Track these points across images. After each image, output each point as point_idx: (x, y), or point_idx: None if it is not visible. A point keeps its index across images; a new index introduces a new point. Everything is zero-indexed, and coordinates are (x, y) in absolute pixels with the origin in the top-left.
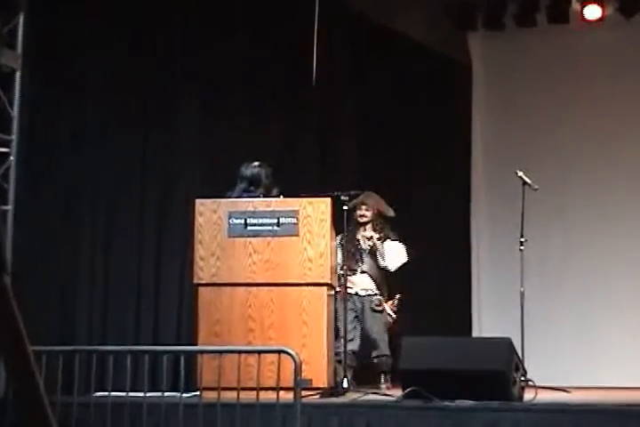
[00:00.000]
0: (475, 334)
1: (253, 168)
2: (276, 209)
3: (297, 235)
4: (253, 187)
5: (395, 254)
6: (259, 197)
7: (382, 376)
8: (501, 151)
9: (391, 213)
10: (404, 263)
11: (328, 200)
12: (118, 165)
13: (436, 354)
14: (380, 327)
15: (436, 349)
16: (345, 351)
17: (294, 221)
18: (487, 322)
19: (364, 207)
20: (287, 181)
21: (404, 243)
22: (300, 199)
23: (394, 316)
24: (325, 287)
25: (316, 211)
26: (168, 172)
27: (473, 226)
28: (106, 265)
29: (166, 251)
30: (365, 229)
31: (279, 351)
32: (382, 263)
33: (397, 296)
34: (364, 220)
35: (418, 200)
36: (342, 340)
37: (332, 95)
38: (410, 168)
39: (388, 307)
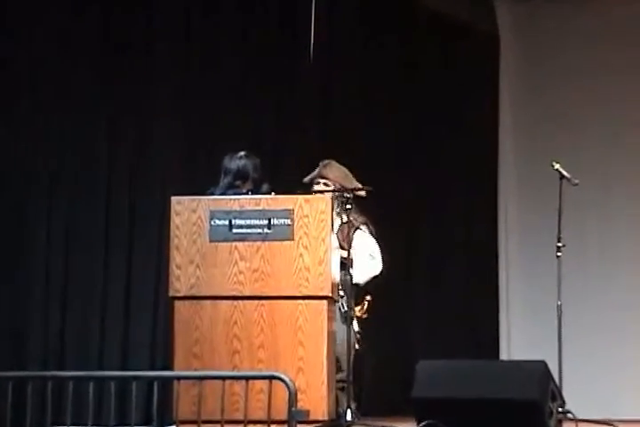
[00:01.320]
0: (503, 356)
1: (239, 160)
2: (267, 208)
3: (291, 239)
4: (240, 182)
5: (364, 264)
6: (246, 193)
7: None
8: (535, 139)
9: (362, 191)
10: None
11: (328, 197)
12: (79, 157)
13: (456, 380)
14: (342, 340)
15: (457, 374)
16: (349, 376)
17: (288, 222)
18: (517, 342)
19: (322, 182)
20: (280, 176)
21: (378, 236)
22: (294, 196)
23: (358, 329)
24: (326, 301)
25: (314, 210)
26: (139, 164)
27: (501, 227)
28: (65, 275)
29: (137, 258)
30: None
31: (270, 377)
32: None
33: (367, 298)
34: (326, 189)
35: (435, 197)
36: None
37: (333, 74)
38: (424, 159)
39: (356, 313)
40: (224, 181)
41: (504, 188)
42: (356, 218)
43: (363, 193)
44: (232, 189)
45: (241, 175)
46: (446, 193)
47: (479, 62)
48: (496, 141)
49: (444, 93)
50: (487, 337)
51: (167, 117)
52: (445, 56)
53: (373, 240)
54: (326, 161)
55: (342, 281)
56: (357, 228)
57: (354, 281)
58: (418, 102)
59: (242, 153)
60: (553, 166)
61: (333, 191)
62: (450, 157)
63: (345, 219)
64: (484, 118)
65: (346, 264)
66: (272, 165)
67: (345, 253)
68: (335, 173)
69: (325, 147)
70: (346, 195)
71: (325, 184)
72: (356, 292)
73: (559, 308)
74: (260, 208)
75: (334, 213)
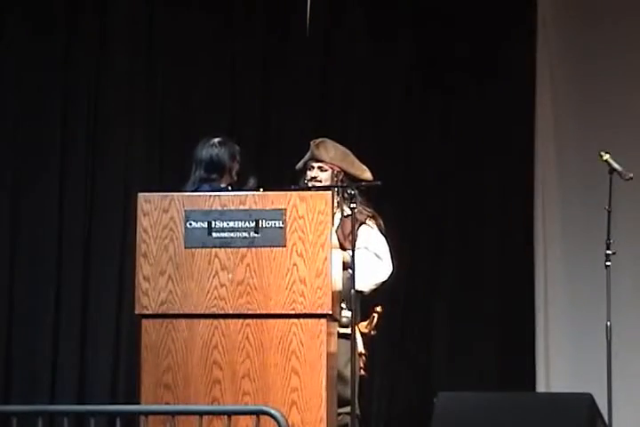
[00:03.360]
0: (540, 387)
1: (211, 147)
2: (254, 208)
3: (284, 245)
4: (215, 175)
5: (368, 266)
6: (225, 189)
7: None
8: (579, 123)
9: (367, 174)
10: (384, 281)
11: (328, 195)
12: (26, 153)
13: (483, 417)
14: (347, 366)
15: (484, 409)
16: (353, 411)
17: (280, 224)
18: (557, 370)
19: (316, 165)
20: (268, 168)
21: (388, 232)
22: (287, 193)
23: (364, 351)
24: (325, 320)
25: (311, 210)
26: (98, 153)
27: (538, 230)
28: (9, 288)
29: (95, 268)
30: None
31: (258, 413)
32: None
33: (377, 310)
34: (317, 185)
35: (461, 190)
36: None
37: (334, 39)
38: (446, 145)
39: (361, 330)
40: (195, 174)
41: (542, 184)
42: (361, 210)
43: (368, 176)
44: (207, 183)
45: (215, 166)
46: (474, 189)
47: (512, 25)
48: (532, 126)
49: (474, 64)
50: (521, 365)
51: (128, 100)
52: (471, 21)
53: (382, 237)
54: (319, 139)
55: (345, 290)
56: (363, 222)
57: (356, 288)
58: (440, 75)
59: (216, 139)
60: (601, 157)
61: (335, 186)
62: (472, 144)
63: (347, 211)
64: (519, 98)
65: (347, 268)
66: (259, 156)
67: (347, 256)
68: (331, 154)
69: (324, 132)
70: (350, 190)
71: (320, 168)
72: (362, 302)
73: (609, 329)
74: (246, 208)
75: (334, 203)
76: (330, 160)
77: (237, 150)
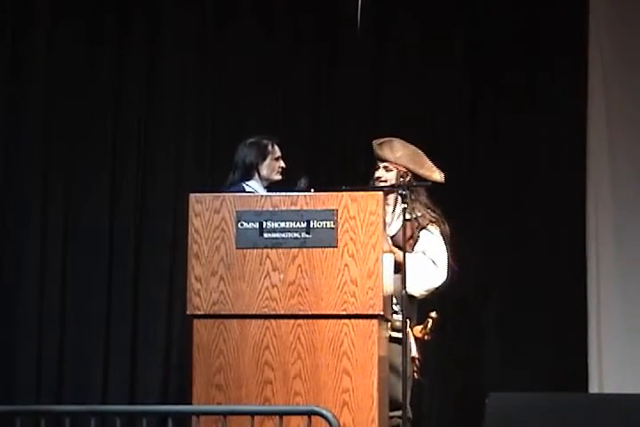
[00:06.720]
0: (592, 388)
1: (242, 148)
2: (305, 208)
3: (335, 245)
4: (247, 176)
5: (423, 271)
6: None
7: None
8: (636, 106)
9: (437, 176)
10: (437, 287)
11: (380, 195)
12: (77, 151)
13: (535, 418)
14: (396, 368)
15: (537, 410)
16: (405, 413)
17: (331, 225)
18: (610, 371)
19: (382, 165)
20: (320, 168)
21: (448, 239)
22: (338, 194)
23: (417, 355)
24: (376, 321)
25: (362, 210)
26: (149, 154)
27: (590, 225)
28: (62, 288)
29: (147, 269)
30: (387, 204)
31: (309, 413)
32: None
33: (432, 315)
34: (382, 185)
35: (513, 192)
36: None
37: (387, 37)
38: (496, 145)
39: (415, 334)
40: (233, 175)
41: (594, 175)
42: (424, 214)
43: (439, 178)
44: (237, 184)
45: (245, 167)
46: (526, 190)
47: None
48: (584, 112)
49: (522, 59)
50: (573, 365)
51: (179, 101)
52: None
53: (441, 244)
54: (384, 139)
55: (397, 292)
56: (424, 227)
57: (407, 290)
58: (492, 75)
59: (248, 140)
60: None
61: (386, 187)
62: (528, 143)
63: (413, 214)
64: (569, 93)
65: (401, 270)
66: (310, 156)
67: (401, 256)
68: (397, 154)
69: (378, 131)
70: (401, 191)
71: (386, 168)
72: (418, 307)
73: None
74: (297, 208)
75: (397, 205)
76: (395, 160)
77: (270, 150)
